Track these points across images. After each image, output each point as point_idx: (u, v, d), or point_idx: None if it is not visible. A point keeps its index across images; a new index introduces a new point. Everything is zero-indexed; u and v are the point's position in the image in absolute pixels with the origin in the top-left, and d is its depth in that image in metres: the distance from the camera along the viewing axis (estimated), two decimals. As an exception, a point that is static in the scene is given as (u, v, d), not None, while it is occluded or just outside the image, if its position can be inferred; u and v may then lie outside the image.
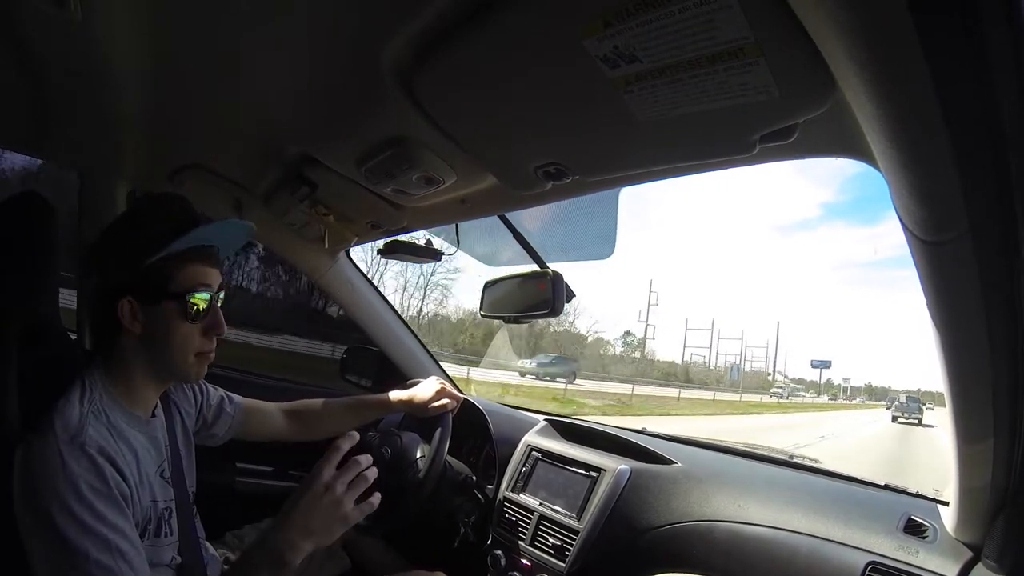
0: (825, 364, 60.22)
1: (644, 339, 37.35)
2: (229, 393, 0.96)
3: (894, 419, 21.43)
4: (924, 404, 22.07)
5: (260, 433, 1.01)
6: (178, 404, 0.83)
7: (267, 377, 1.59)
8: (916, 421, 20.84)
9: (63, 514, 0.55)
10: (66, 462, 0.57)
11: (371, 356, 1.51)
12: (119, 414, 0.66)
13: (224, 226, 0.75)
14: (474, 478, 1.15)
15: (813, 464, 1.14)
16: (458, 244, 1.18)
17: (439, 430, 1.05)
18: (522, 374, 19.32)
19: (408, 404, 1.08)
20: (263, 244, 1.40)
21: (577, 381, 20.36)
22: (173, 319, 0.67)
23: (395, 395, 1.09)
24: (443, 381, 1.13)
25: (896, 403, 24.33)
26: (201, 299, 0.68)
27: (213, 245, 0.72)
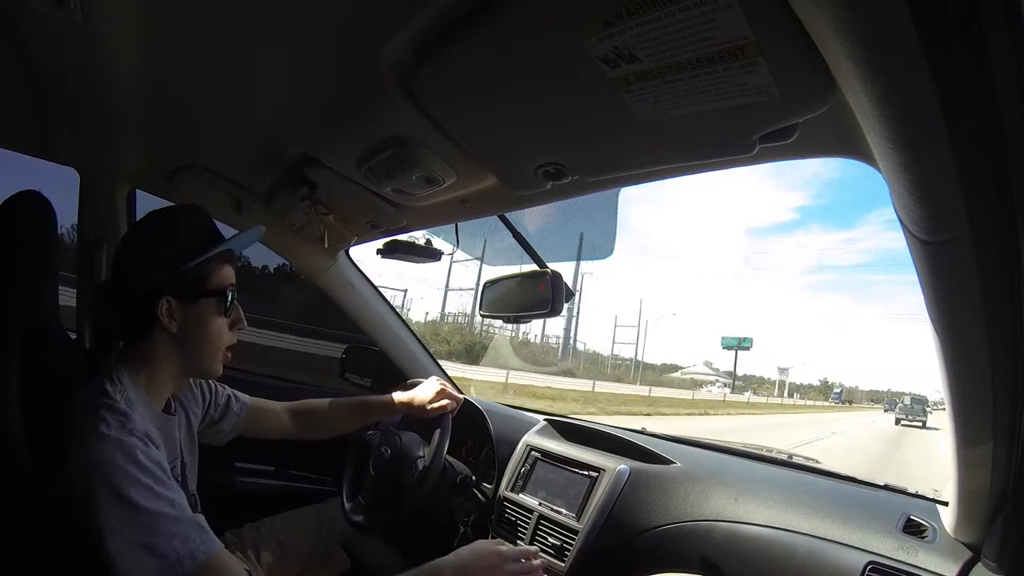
0: (743, 344, 41.19)
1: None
2: (236, 392, 0.97)
3: (897, 421, 22.32)
4: (927, 407, 22.34)
5: (266, 432, 1.03)
6: (185, 405, 0.85)
7: (272, 377, 1.59)
8: (920, 423, 20.98)
9: (134, 485, 0.60)
10: (123, 441, 0.62)
11: (371, 355, 1.51)
12: (143, 408, 0.69)
13: (248, 235, 0.83)
14: (474, 478, 1.15)
15: (812, 464, 1.14)
16: (457, 244, 1.18)
17: (439, 430, 1.05)
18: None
19: (408, 406, 1.09)
20: (263, 244, 1.39)
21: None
22: (210, 315, 0.75)
23: (397, 397, 1.10)
24: (443, 382, 1.13)
25: (900, 405, 25.45)
26: (231, 295, 0.76)
27: (233, 249, 0.78)
